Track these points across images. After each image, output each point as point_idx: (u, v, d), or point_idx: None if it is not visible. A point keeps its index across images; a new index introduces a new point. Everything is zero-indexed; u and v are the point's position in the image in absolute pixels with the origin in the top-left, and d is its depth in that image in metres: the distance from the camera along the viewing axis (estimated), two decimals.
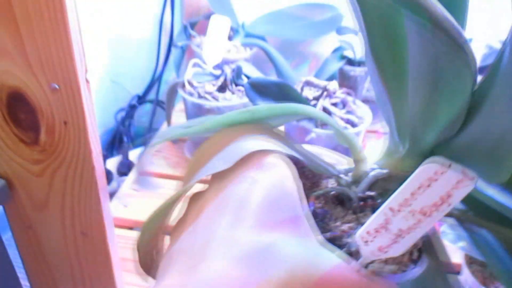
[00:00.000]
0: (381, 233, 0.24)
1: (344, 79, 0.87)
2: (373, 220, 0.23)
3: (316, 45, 1.03)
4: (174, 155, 0.83)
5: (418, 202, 0.23)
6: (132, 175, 0.78)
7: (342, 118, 0.67)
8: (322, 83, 0.68)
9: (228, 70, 0.77)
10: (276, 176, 0.22)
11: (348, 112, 0.69)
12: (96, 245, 0.46)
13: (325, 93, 0.67)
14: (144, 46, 1.08)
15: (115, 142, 1.12)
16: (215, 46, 0.79)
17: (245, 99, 0.74)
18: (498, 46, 0.80)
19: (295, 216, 0.21)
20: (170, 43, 1.06)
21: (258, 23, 0.95)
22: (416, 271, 0.26)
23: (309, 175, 0.30)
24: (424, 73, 0.21)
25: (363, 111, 0.72)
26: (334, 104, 0.69)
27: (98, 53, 1.05)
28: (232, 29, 0.89)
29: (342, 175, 0.27)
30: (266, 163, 0.23)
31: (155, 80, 1.12)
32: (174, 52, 0.91)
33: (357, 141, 0.27)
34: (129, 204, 0.67)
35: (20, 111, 0.37)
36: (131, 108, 1.13)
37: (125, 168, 0.99)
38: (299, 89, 0.70)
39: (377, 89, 0.24)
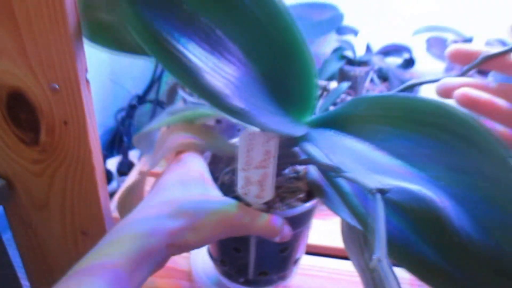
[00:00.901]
0: (249, 186, 0.34)
1: (344, 79, 0.87)
2: (238, 179, 0.34)
3: (316, 45, 1.03)
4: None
5: (253, 160, 0.32)
6: (132, 175, 0.78)
7: None
8: (322, 83, 0.68)
9: None
10: (185, 167, 0.36)
11: None
12: None
13: (325, 93, 0.68)
14: None
15: (115, 142, 1.12)
16: None
17: None
18: (496, 45, 0.79)
19: (202, 190, 0.34)
20: None
21: None
22: (305, 207, 0.37)
23: (224, 159, 0.42)
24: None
25: None
26: (334, 104, 0.69)
27: (98, 53, 1.05)
28: None
29: None
30: (181, 158, 0.38)
31: (155, 80, 1.12)
32: None
33: None
34: None
35: (20, 111, 0.37)
36: (131, 108, 1.14)
37: (125, 168, 0.99)
38: None
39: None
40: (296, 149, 0.38)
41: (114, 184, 0.97)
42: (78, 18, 0.34)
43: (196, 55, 0.26)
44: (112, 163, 1.00)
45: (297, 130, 0.30)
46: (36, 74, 0.35)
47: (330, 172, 0.28)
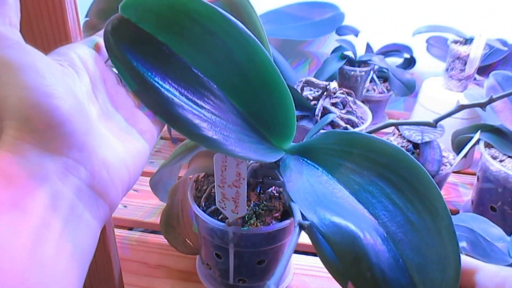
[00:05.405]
0: (225, 201, 0.38)
1: (344, 79, 0.87)
2: (216, 194, 0.38)
3: (316, 45, 1.03)
4: None
5: (227, 179, 0.36)
6: None
7: (342, 118, 0.67)
8: (322, 83, 0.68)
9: None
10: None
11: (348, 112, 0.69)
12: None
13: (325, 93, 0.67)
14: None
15: None
16: None
17: None
18: (497, 45, 0.79)
19: None
20: None
21: None
22: (277, 226, 0.41)
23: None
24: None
25: (363, 111, 0.72)
26: (334, 104, 0.69)
27: None
28: None
29: None
30: None
31: None
32: None
33: None
34: (129, 204, 0.67)
35: None
36: None
37: None
38: (299, 89, 0.70)
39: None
40: (276, 171, 0.42)
41: None
42: (78, 19, 0.34)
43: (170, 91, 0.29)
44: None
45: (268, 157, 0.33)
46: None
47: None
